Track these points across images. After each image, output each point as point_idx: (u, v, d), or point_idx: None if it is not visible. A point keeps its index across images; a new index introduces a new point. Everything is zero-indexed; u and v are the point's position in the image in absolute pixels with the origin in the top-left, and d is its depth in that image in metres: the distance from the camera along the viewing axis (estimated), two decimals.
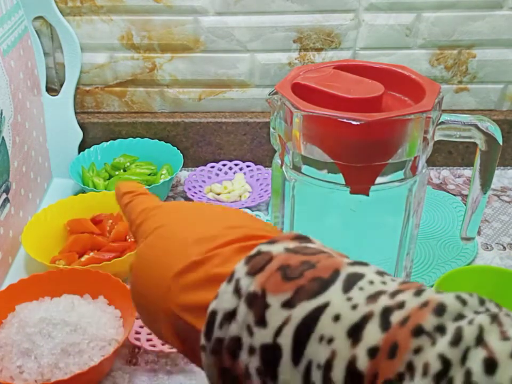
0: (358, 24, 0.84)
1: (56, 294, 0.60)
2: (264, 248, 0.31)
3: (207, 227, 0.35)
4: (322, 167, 0.47)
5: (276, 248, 0.31)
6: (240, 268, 0.30)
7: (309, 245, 0.32)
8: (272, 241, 0.31)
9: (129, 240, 0.70)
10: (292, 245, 0.31)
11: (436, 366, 0.23)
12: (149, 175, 0.83)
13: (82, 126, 0.88)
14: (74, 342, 0.53)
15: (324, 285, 0.28)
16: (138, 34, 0.85)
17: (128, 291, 0.57)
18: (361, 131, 0.43)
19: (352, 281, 0.28)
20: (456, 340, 0.24)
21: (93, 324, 0.55)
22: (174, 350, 0.56)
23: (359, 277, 0.28)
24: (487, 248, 0.74)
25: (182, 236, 0.34)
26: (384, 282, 0.28)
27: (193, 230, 0.34)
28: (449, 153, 0.92)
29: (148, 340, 0.59)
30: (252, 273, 0.29)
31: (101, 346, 0.53)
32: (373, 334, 0.25)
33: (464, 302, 0.26)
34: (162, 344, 0.58)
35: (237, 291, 0.29)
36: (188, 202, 0.39)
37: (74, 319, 0.54)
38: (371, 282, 0.28)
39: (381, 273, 0.29)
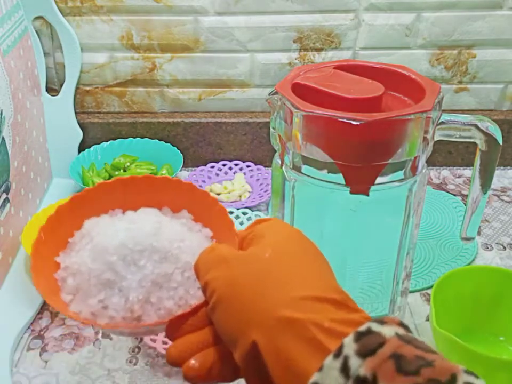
0: (358, 24, 0.84)
1: (130, 207, 0.47)
2: (375, 327, 0.29)
3: (309, 276, 0.34)
4: (322, 167, 0.47)
5: (387, 331, 0.29)
6: (349, 344, 0.28)
7: (416, 336, 0.31)
8: (381, 322, 0.30)
9: None
10: (401, 331, 0.30)
11: None
12: None
13: (82, 126, 0.88)
14: (166, 272, 0.42)
15: None
16: (138, 34, 0.85)
17: (219, 207, 0.47)
18: (361, 131, 0.43)
19: None
20: None
21: (185, 249, 0.44)
22: None
23: None
24: (487, 248, 0.74)
25: (283, 277, 0.34)
26: None
27: (294, 275, 0.34)
28: (449, 153, 0.92)
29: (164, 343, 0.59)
30: (362, 353, 0.28)
31: (196, 277, 0.41)
32: None
33: None
34: None
35: (345, 370, 0.28)
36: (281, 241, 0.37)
37: (164, 244, 0.43)
38: None
39: None
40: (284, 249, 0.36)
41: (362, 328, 0.29)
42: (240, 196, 0.84)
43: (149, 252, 0.42)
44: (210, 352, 0.37)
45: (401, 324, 0.30)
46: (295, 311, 0.31)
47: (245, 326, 0.33)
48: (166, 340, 0.60)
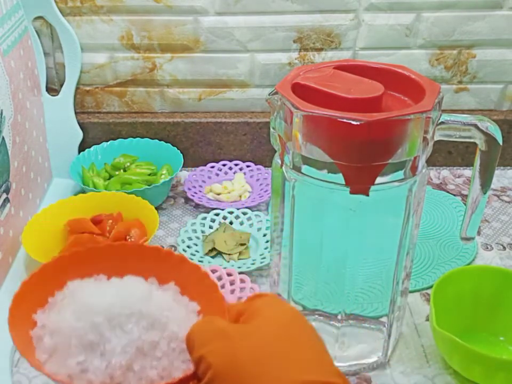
0: (358, 24, 0.84)
1: (115, 273, 0.47)
2: None
3: (310, 359, 0.33)
4: (322, 167, 0.47)
5: None
6: None
7: None
8: None
9: (129, 240, 0.70)
10: None
11: None
12: (149, 175, 0.83)
13: (82, 126, 0.88)
14: (152, 340, 0.41)
15: None
16: (138, 34, 0.85)
17: (210, 281, 0.47)
18: (361, 131, 0.43)
19: None
20: None
21: (173, 320, 0.43)
22: None
23: None
24: (487, 248, 0.74)
25: (275, 373, 0.32)
26: None
27: (287, 370, 0.33)
28: (449, 153, 0.92)
29: None
30: None
31: (181, 349, 0.41)
32: None
33: None
34: None
35: None
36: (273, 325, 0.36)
37: (152, 311, 0.42)
38: None
39: None
40: (284, 330, 0.35)
41: None
42: (240, 196, 0.84)
43: (137, 317, 0.41)
44: None
45: None
46: None
47: None
48: None
